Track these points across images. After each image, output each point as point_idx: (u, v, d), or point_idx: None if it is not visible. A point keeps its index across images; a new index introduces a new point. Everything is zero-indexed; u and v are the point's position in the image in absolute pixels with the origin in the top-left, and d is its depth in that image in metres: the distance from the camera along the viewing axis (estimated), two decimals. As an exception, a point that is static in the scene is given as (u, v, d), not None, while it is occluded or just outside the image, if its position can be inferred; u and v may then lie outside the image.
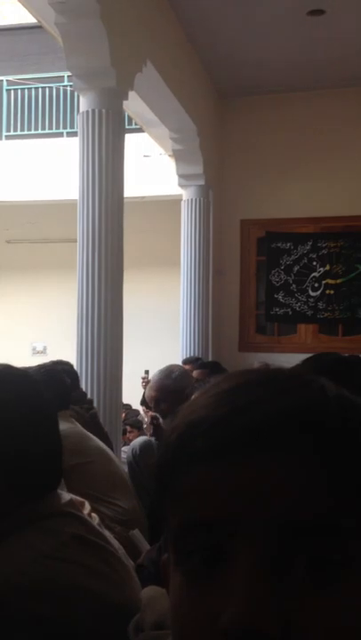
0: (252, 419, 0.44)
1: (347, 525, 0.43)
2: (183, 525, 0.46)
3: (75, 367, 3.43)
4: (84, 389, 3.58)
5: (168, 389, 3.21)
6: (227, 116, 7.14)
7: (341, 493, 0.43)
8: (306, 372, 0.51)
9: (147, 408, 4.23)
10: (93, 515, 1.06)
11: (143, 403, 4.36)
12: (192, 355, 6.24)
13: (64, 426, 2.06)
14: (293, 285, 7.10)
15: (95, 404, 3.55)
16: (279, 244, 7.13)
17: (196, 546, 0.45)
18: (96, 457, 2.33)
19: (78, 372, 3.56)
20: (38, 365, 2.61)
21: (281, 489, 0.43)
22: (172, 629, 0.47)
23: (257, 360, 6.29)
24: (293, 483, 0.43)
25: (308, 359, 2.89)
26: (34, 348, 9.17)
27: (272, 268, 7.15)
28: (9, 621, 0.86)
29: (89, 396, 3.59)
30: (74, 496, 1.05)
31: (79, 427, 2.46)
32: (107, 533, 1.04)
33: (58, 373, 2.55)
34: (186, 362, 5.93)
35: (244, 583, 0.42)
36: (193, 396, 0.51)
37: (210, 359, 6.19)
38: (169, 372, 3.31)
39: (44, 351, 8.98)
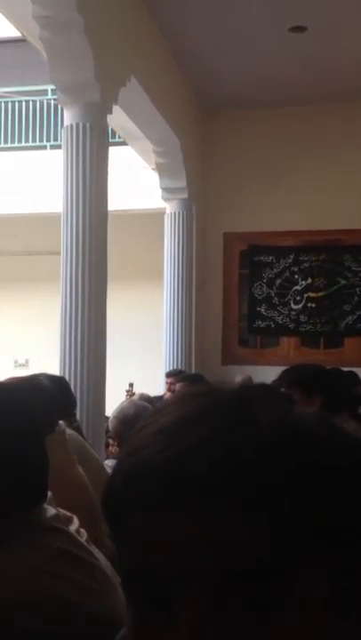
0: (191, 469, 0.43)
1: (286, 570, 0.42)
2: (128, 572, 0.46)
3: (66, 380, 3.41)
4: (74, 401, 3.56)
5: (125, 435, 3.20)
6: (210, 130, 7.20)
7: (285, 549, 0.42)
8: (259, 397, 0.48)
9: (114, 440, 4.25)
10: (82, 530, 1.05)
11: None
12: (175, 367, 6.24)
13: (68, 431, 2.05)
14: (276, 298, 7.15)
15: (78, 417, 3.54)
16: (262, 258, 7.18)
17: (141, 592, 0.45)
18: (95, 468, 2.32)
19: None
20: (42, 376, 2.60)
21: (220, 543, 0.42)
22: None
23: (240, 373, 6.31)
24: (233, 538, 0.42)
25: (287, 370, 2.91)
26: (16, 361, 9.11)
27: (255, 281, 7.19)
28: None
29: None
30: (62, 511, 1.04)
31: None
32: (94, 549, 1.03)
33: (67, 385, 2.55)
34: (169, 374, 5.93)
35: (185, 632, 0.42)
36: (138, 427, 0.49)
37: (193, 372, 6.20)
38: (122, 417, 3.24)
39: (26, 364, 8.93)
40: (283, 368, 2.85)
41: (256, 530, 0.42)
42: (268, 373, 3.71)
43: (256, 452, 0.43)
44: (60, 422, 1.79)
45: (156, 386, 6.15)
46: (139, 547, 0.44)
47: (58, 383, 2.84)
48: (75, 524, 1.04)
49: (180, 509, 0.43)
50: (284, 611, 0.42)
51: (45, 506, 1.02)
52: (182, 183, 6.42)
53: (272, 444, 0.44)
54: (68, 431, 2.14)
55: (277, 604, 0.42)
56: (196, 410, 0.47)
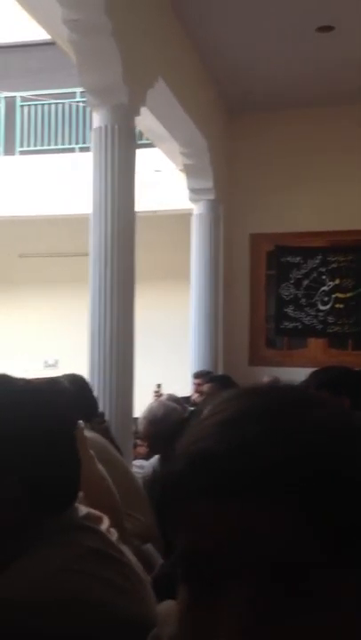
0: (250, 462, 0.45)
1: (326, 567, 0.45)
2: (185, 551, 0.49)
3: (86, 380, 3.44)
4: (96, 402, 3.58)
5: (155, 435, 3.22)
6: (237, 131, 7.19)
7: (326, 547, 0.45)
8: (312, 401, 0.51)
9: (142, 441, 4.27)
10: (112, 530, 1.06)
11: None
12: (202, 368, 6.24)
13: (90, 434, 2.07)
14: (303, 299, 7.10)
15: (107, 418, 3.56)
16: (289, 258, 7.14)
17: (196, 571, 0.47)
18: (119, 468, 2.33)
19: (90, 384, 3.57)
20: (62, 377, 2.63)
21: (267, 535, 0.45)
22: (179, 638, 0.50)
23: (267, 374, 6.28)
24: (278, 532, 0.44)
25: (315, 372, 2.91)
26: (45, 362, 9.19)
27: (282, 282, 7.15)
28: (25, 637, 0.87)
29: (101, 409, 3.60)
30: (92, 510, 1.06)
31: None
32: (125, 548, 1.04)
33: (86, 386, 2.58)
34: (197, 375, 5.93)
35: (235, 616, 0.45)
36: (203, 415, 0.52)
37: (220, 373, 6.19)
38: (151, 418, 3.28)
39: (55, 364, 9.01)
40: (310, 369, 2.84)
41: (301, 526, 0.44)
42: (295, 375, 3.69)
43: (310, 452, 0.46)
44: (79, 422, 1.81)
45: (183, 387, 6.16)
46: (195, 530, 0.47)
47: (77, 384, 2.87)
48: (105, 524, 1.05)
49: (234, 499, 0.45)
50: (317, 605, 0.45)
51: (77, 505, 1.03)
52: (209, 184, 6.42)
53: (329, 444, 0.46)
54: (89, 433, 2.15)
55: (313, 597, 0.45)
56: (257, 409, 0.49)
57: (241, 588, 0.45)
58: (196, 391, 5.65)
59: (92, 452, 1.82)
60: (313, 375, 2.76)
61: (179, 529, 0.49)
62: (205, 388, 4.96)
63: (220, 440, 0.47)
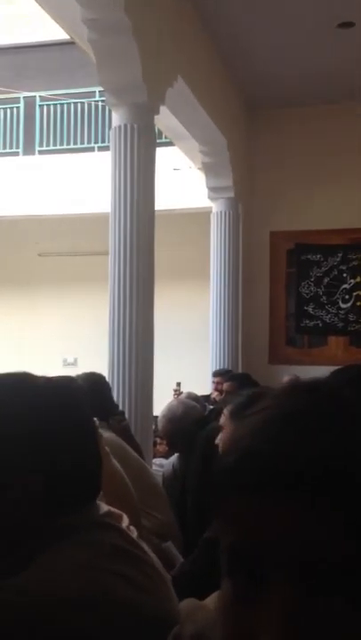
0: (288, 462, 0.46)
1: None
2: (229, 546, 0.49)
3: (106, 379, 3.45)
4: (115, 401, 3.60)
5: (174, 434, 3.22)
6: (256, 128, 7.16)
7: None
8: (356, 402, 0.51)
9: (161, 439, 4.28)
10: (132, 527, 1.06)
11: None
12: (222, 367, 6.23)
13: (106, 434, 2.08)
14: (324, 297, 7.06)
15: (126, 416, 3.57)
16: (309, 256, 7.10)
17: (239, 567, 0.48)
18: (136, 467, 2.34)
19: (110, 383, 3.59)
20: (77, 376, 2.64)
21: (308, 535, 0.45)
22: (219, 633, 0.50)
23: (287, 373, 6.25)
24: (319, 533, 0.45)
25: (337, 371, 2.88)
26: (65, 360, 9.24)
27: (302, 279, 7.11)
28: (48, 634, 0.87)
29: (120, 407, 3.61)
30: (112, 508, 1.06)
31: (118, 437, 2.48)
32: (145, 545, 1.04)
33: (101, 384, 2.59)
34: (216, 374, 5.92)
35: (278, 614, 0.45)
36: (253, 409, 0.52)
37: (240, 371, 6.18)
38: (171, 416, 3.28)
39: (74, 363, 9.05)
40: (331, 368, 2.81)
41: (337, 528, 0.45)
42: (315, 373, 3.66)
43: (349, 452, 0.46)
44: (94, 419, 1.82)
45: (202, 385, 6.16)
46: (239, 525, 0.48)
47: (94, 382, 2.87)
48: (125, 521, 1.05)
49: (276, 496, 0.46)
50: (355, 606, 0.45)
51: (98, 502, 1.03)
52: (228, 182, 6.41)
53: None
54: (106, 433, 2.16)
55: (349, 597, 0.45)
56: (303, 408, 0.50)
57: (282, 585, 0.45)
58: (216, 390, 5.64)
59: (107, 448, 1.83)
60: (333, 374, 2.74)
61: (224, 523, 0.50)
62: (225, 386, 4.96)
63: (267, 438, 0.48)
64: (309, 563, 0.45)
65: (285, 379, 5.82)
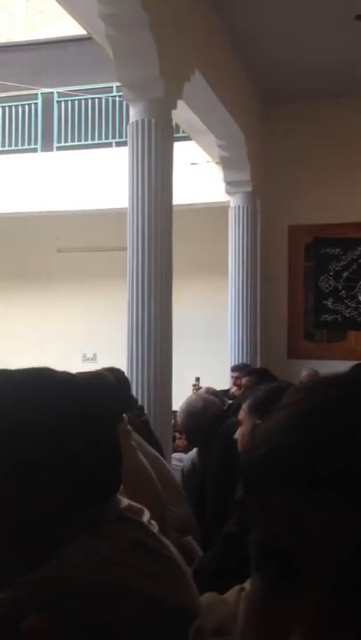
0: (321, 459, 0.45)
1: None
2: (260, 542, 0.48)
3: (125, 374, 3.46)
4: (134, 396, 3.61)
5: (193, 428, 3.23)
6: (274, 122, 7.13)
7: None
8: None
9: (180, 434, 4.28)
10: (153, 522, 1.07)
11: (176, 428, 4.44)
12: (240, 361, 6.23)
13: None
14: (343, 291, 7.01)
15: (146, 411, 3.58)
16: (328, 250, 7.05)
17: (271, 563, 0.47)
18: (152, 462, 2.35)
19: (129, 378, 3.60)
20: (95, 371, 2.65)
21: (347, 531, 0.44)
22: (245, 629, 0.50)
23: (306, 367, 6.24)
24: (344, 531, 0.44)
25: (358, 365, 2.88)
26: (84, 355, 9.28)
27: (321, 274, 7.07)
28: (68, 624, 0.88)
29: (139, 402, 3.62)
30: (132, 502, 1.06)
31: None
32: (166, 540, 1.05)
33: (120, 379, 2.59)
34: (235, 369, 5.92)
35: (313, 611, 0.44)
36: (284, 402, 0.52)
37: (258, 366, 6.17)
38: (190, 410, 3.29)
39: (94, 358, 9.09)
40: (350, 363, 2.81)
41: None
42: (334, 368, 3.65)
43: None
44: (123, 415, 1.82)
45: (221, 380, 6.16)
46: (270, 521, 0.47)
47: (117, 377, 2.89)
48: (146, 516, 1.05)
49: (306, 493, 0.45)
50: None
51: (118, 497, 1.04)
52: (246, 176, 6.38)
53: None
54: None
55: None
56: (333, 402, 0.49)
57: (317, 583, 0.45)
58: (235, 384, 5.64)
59: (133, 443, 1.84)
60: (354, 369, 2.73)
61: (253, 518, 0.49)
62: (244, 381, 4.95)
63: (296, 433, 0.47)
64: (348, 562, 0.44)
65: (304, 373, 5.80)
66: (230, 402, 3.96)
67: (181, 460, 3.96)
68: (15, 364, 1.10)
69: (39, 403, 0.98)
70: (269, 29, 5.52)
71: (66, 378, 1.02)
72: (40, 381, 1.01)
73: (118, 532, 0.97)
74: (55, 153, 9.17)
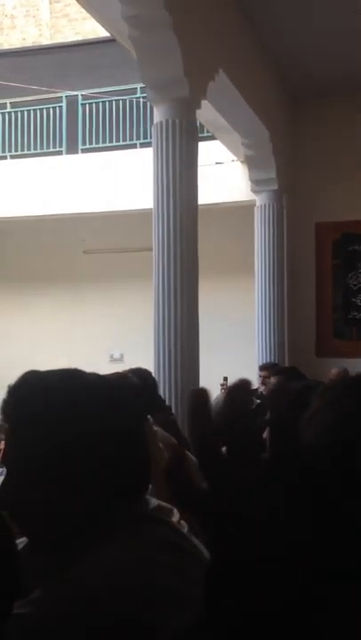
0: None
1: None
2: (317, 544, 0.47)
3: (152, 374, 3.47)
4: (162, 396, 3.62)
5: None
6: (299, 118, 7.08)
7: None
8: None
9: None
10: (182, 522, 1.07)
11: None
12: (269, 360, 6.20)
13: (155, 428, 2.09)
14: (372, 288, 6.95)
15: (173, 411, 3.58)
16: (356, 247, 7.00)
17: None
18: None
19: (156, 378, 3.60)
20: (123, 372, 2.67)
21: None
22: None
23: (336, 366, 6.18)
24: None
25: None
26: (111, 356, 9.33)
27: (349, 271, 7.01)
28: (95, 623, 0.88)
29: (167, 402, 3.63)
30: (161, 502, 1.06)
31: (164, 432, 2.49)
32: (195, 540, 1.05)
33: (147, 380, 2.61)
34: (263, 368, 5.90)
35: (349, 613, 0.43)
36: (320, 402, 0.51)
37: (287, 365, 6.13)
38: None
39: (121, 359, 9.12)
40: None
41: None
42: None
43: None
44: (148, 416, 1.83)
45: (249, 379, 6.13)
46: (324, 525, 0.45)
47: (142, 378, 2.89)
48: (176, 516, 1.06)
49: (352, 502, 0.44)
50: None
51: (147, 497, 1.04)
52: (272, 174, 6.35)
53: None
54: (154, 427, 2.17)
55: None
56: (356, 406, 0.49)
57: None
58: (263, 384, 5.62)
59: (160, 444, 1.85)
60: None
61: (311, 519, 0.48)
62: (272, 380, 4.93)
63: (341, 432, 0.47)
64: None
65: (334, 371, 5.76)
66: (258, 401, 3.94)
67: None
68: (44, 366, 1.11)
69: (70, 404, 0.99)
70: (294, 26, 5.49)
71: (95, 379, 1.03)
72: (71, 383, 1.02)
73: (148, 531, 0.97)
74: (80, 155, 9.23)
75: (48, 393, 1.00)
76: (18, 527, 1.02)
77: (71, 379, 1.03)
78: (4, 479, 1.03)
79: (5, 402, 1.02)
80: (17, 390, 1.02)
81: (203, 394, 0.43)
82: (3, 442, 1.54)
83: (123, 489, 0.98)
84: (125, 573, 0.92)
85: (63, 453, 0.97)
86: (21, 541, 1.04)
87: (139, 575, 0.92)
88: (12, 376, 1.07)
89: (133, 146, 9.00)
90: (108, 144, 9.25)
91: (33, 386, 1.02)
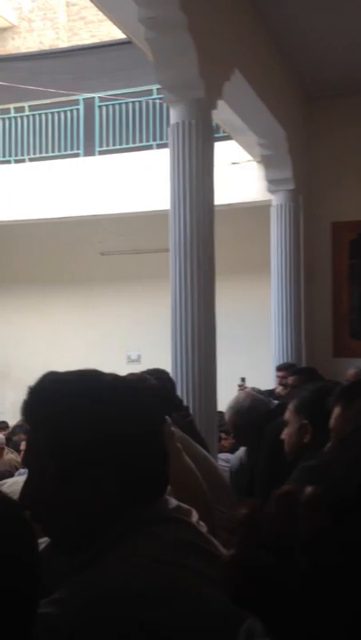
0: None
1: None
2: None
3: (170, 375, 3.47)
4: (179, 397, 3.62)
5: (241, 426, 3.22)
6: (315, 118, 7.05)
7: None
8: None
9: (226, 434, 4.25)
10: (201, 522, 1.07)
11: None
12: (285, 361, 6.18)
13: (173, 429, 2.09)
14: (389, 288, 6.90)
15: (191, 412, 3.58)
16: (373, 246, 6.95)
17: None
18: (203, 463, 2.35)
19: (173, 379, 3.60)
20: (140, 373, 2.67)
21: None
22: None
23: (353, 366, 6.15)
24: None
25: None
26: (128, 357, 9.35)
27: (366, 270, 6.97)
28: (116, 624, 0.89)
29: (184, 403, 3.62)
30: (181, 503, 1.07)
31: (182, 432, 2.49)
32: (215, 540, 1.05)
33: (165, 381, 2.61)
34: (280, 368, 5.88)
35: None
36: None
37: (304, 365, 6.11)
38: (238, 408, 3.29)
39: (138, 360, 9.14)
40: None
41: None
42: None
43: None
44: (166, 417, 1.83)
45: (266, 380, 6.12)
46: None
47: (160, 379, 2.89)
48: (195, 516, 1.06)
49: None
50: None
51: (167, 497, 1.05)
52: (288, 174, 6.33)
53: None
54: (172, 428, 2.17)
55: None
56: None
57: None
58: (280, 384, 5.60)
59: (179, 445, 1.85)
60: None
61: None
62: (291, 380, 4.91)
63: None
64: None
65: (350, 371, 5.72)
66: (277, 402, 3.94)
67: (228, 460, 3.95)
68: (62, 368, 1.12)
69: (89, 405, 0.99)
70: (310, 25, 5.47)
71: (114, 380, 1.04)
72: (90, 384, 1.03)
73: (167, 532, 0.98)
74: (97, 157, 9.26)
75: (68, 394, 1.01)
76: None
77: (90, 380, 1.04)
78: (26, 479, 1.04)
79: (26, 403, 1.03)
80: (37, 392, 1.03)
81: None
82: (23, 442, 1.55)
83: (141, 490, 0.98)
84: (143, 574, 0.92)
85: (82, 454, 0.97)
86: (44, 541, 1.05)
87: (157, 576, 0.93)
88: (30, 378, 1.08)
89: (150, 147, 9.01)
90: (124, 146, 9.27)
91: (53, 387, 1.03)
